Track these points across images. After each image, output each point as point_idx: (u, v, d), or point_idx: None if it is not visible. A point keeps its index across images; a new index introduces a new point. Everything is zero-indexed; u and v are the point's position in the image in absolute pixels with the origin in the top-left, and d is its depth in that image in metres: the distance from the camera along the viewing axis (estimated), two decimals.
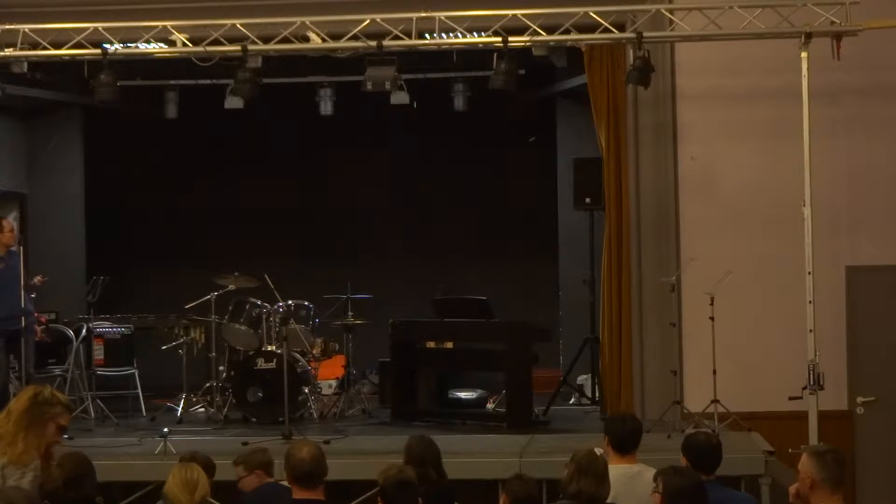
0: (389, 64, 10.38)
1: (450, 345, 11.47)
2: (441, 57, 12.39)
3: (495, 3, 10.21)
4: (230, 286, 11.85)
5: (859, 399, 10.55)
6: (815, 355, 9.55)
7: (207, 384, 11.97)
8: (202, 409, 11.97)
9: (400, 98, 13.03)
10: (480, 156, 15.09)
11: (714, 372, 9.90)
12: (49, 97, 14.19)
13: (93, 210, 14.87)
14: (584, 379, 12.35)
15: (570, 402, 12.28)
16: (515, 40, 10.09)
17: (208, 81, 13.67)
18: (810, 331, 9.59)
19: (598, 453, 5.88)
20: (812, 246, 9.68)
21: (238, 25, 10.16)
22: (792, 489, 5.19)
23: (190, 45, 10.32)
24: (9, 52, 10.35)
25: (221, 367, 12.08)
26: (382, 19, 10.06)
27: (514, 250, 15.03)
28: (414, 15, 10.06)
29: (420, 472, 6.54)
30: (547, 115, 14.37)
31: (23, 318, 10.29)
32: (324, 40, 10.19)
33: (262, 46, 10.17)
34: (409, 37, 10.12)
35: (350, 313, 12.03)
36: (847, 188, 10.69)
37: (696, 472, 5.95)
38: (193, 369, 12.12)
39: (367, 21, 10.04)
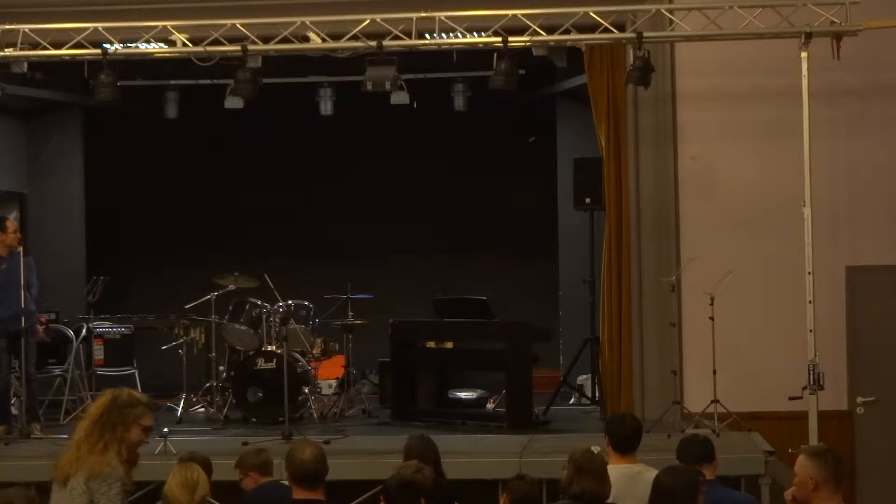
0: (389, 64, 10.37)
1: (450, 345, 11.48)
2: (441, 57, 12.38)
3: (495, 3, 10.21)
4: (230, 286, 11.86)
5: (859, 399, 10.55)
6: (815, 355, 9.55)
7: (207, 384, 11.98)
8: (202, 409, 11.98)
9: (400, 98, 13.03)
10: (480, 156, 15.09)
11: (714, 372, 9.90)
12: (49, 97, 14.20)
13: (93, 210, 14.87)
14: (584, 379, 12.35)
15: (570, 402, 12.28)
16: (515, 40, 10.10)
17: (208, 81, 13.68)
18: (810, 331, 9.59)
19: (596, 451, 5.88)
20: (812, 246, 9.68)
21: (238, 25, 10.17)
22: (787, 494, 5.17)
23: (190, 45, 10.32)
24: (9, 52, 10.35)
25: (221, 367, 12.09)
26: (382, 19, 10.07)
27: (514, 250, 15.04)
28: (414, 15, 10.06)
29: None
30: (547, 115, 14.37)
31: (23, 319, 10.29)
32: (324, 40, 10.20)
33: (262, 46, 10.17)
34: (409, 37, 10.12)
35: (350, 313, 12.04)
36: (847, 188, 10.69)
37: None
38: (193, 369, 12.13)
39: (367, 21, 10.04)
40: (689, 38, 10.34)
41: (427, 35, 10.32)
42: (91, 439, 5.45)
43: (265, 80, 10.60)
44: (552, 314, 13.71)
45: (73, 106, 14.61)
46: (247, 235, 15.08)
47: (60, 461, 5.59)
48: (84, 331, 11.97)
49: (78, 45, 10.28)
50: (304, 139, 15.09)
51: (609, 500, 5.86)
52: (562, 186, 13.63)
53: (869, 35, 9.82)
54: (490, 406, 11.78)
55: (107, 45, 10.30)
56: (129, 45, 10.48)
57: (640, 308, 10.91)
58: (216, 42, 10.18)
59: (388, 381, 12.29)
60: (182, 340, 12.14)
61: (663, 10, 10.31)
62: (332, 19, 10.24)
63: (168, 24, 10.23)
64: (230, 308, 11.75)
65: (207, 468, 6.47)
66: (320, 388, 12.27)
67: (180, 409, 11.71)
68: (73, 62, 10.59)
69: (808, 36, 9.70)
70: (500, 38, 10.07)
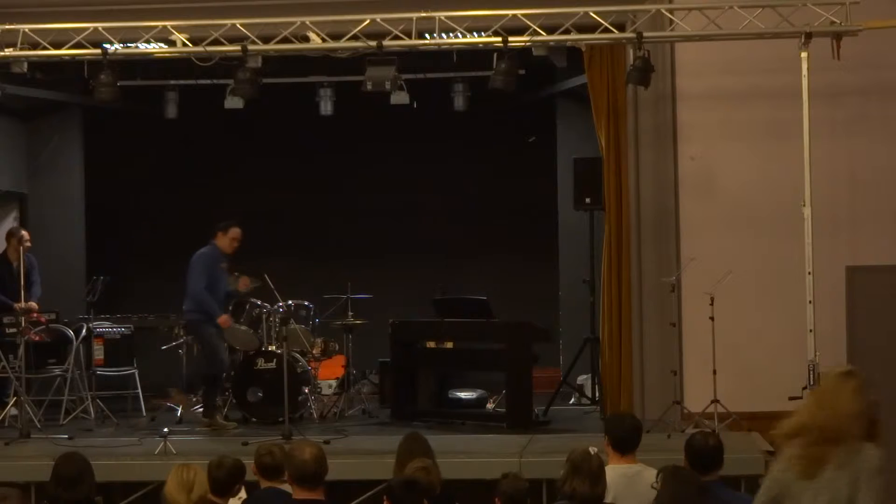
0: (389, 64, 10.39)
1: (450, 345, 11.48)
2: (441, 57, 12.38)
3: (495, 3, 10.22)
4: (230, 286, 11.84)
5: None
6: (815, 355, 9.55)
7: None
8: (202, 409, 11.96)
9: (400, 98, 13.02)
10: (480, 156, 15.07)
11: (714, 372, 9.91)
12: (49, 97, 14.17)
13: (93, 210, 14.85)
14: (584, 379, 12.34)
15: (570, 402, 12.27)
16: (515, 40, 10.10)
17: (208, 81, 13.66)
18: (810, 331, 9.60)
19: (593, 452, 5.86)
20: (812, 246, 9.69)
21: (238, 25, 10.17)
22: None
23: (190, 45, 10.33)
24: (9, 52, 10.35)
25: None
26: (382, 19, 10.07)
27: (514, 250, 15.01)
28: (414, 15, 10.06)
29: None
30: (547, 115, 14.35)
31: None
32: (324, 40, 10.20)
33: (262, 46, 10.17)
34: (409, 37, 10.13)
35: (350, 313, 12.03)
36: (847, 188, 10.70)
37: (695, 472, 5.94)
38: (193, 369, 12.12)
39: (367, 21, 10.05)
40: (688, 38, 10.34)
41: (427, 35, 10.32)
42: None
43: (265, 80, 10.59)
44: (552, 314, 13.70)
45: (73, 106, 14.58)
46: (247, 235, 15.03)
47: None
48: (84, 331, 11.95)
49: (78, 45, 10.28)
50: (303, 139, 15.08)
51: (609, 501, 5.85)
52: (562, 186, 13.62)
53: (869, 35, 9.82)
54: (490, 406, 11.78)
55: (107, 45, 10.30)
56: (129, 45, 10.48)
57: (640, 308, 10.91)
58: (216, 42, 10.18)
59: (388, 381, 12.29)
60: (182, 340, 12.13)
61: (663, 10, 10.31)
62: (332, 19, 10.24)
63: (168, 24, 10.24)
64: (230, 308, 11.74)
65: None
66: (320, 388, 12.27)
67: (180, 409, 11.70)
68: (73, 62, 10.60)
69: (808, 36, 9.71)
70: (500, 38, 10.08)
